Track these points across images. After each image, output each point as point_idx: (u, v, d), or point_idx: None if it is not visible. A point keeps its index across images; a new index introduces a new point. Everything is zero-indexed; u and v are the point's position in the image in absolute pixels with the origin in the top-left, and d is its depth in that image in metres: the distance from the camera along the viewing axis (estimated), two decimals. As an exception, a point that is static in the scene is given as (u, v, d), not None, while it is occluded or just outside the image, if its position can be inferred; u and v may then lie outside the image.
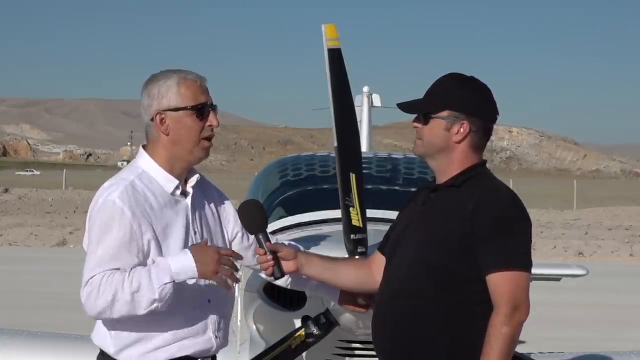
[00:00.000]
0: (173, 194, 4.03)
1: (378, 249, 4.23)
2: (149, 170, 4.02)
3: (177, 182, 4.04)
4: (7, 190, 50.15)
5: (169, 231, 3.97)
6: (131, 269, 3.84)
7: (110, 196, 3.90)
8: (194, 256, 3.86)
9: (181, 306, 3.96)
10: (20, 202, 45.49)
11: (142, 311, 3.82)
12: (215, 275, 3.87)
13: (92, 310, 3.86)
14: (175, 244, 3.96)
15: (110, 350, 3.99)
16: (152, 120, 4.02)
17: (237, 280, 3.98)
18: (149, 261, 3.90)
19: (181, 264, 3.85)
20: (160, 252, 3.92)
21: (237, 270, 3.96)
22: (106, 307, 3.82)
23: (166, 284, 3.81)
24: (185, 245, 3.98)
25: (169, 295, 3.82)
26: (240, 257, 4.01)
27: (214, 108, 4.06)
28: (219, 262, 3.87)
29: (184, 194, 4.07)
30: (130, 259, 3.87)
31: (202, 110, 4.02)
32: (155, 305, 3.82)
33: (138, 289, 3.80)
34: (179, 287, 3.89)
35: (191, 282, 3.91)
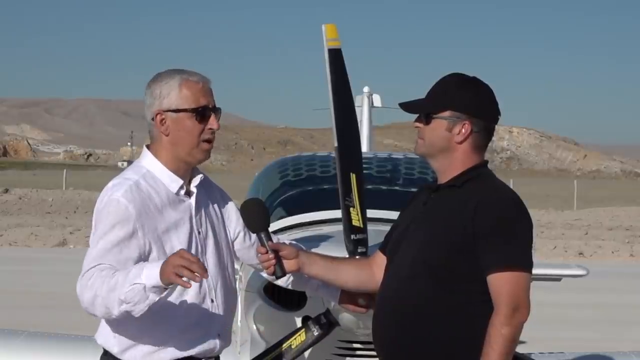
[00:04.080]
0: (177, 193, 4.02)
1: (379, 248, 4.23)
2: (153, 170, 4.01)
3: (181, 181, 4.03)
4: (7, 190, 50.03)
5: (172, 231, 3.96)
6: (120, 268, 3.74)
7: (114, 195, 3.89)
8: (163, 262, 3.67)
9: (185, 306, 3.95)
10: (20, 202, 45.38)
11: (115, 311, 3.69)
12: (171, 275, 3.59)
13: (82, 303, 3.79)
14: (179, 244, 3.95)
15: (114, 350, 3.97)
16: (153, 119, 4.02)
17: (194, 279, 3.61)
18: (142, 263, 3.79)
19: (151, 270, 3.65)
20: (163, 252, 3.90)
21: (200, 270, 3.60)
22: (90, 301, 3.74)
23: (134, 284, 3.63)
24: (189, 246, 3.97)
25: (138, 299, 3.63)
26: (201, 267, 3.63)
27: (215, 110, 4.03)
28: (176, 263, 3.59)
29: (188, 193, 4.06)
30: (126, 257, 3.82)
31: (203, 113, 3.99)
32: (124, 306, 3.66)
33: (114, 287, 3.67)
34: (182, 288, 3.85)
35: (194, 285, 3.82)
